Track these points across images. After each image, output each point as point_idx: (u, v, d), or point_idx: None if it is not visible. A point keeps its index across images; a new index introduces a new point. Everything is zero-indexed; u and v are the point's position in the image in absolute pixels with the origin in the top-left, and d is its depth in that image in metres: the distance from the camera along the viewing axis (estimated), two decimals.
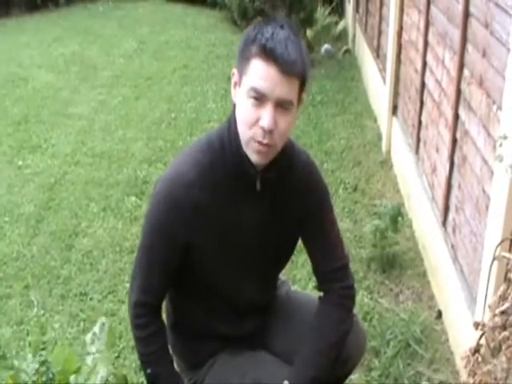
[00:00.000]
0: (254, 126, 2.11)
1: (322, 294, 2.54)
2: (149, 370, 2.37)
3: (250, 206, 2.31)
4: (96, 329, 2.14)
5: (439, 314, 4.05)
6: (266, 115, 2.08)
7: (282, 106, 2.10)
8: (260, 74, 2.07)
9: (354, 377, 3.42)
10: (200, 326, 2.51)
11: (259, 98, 2.08)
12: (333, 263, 2.49)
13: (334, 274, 2.49)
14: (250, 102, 2.10)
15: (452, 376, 3.50)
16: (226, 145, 2.24)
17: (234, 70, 2.20)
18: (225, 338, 2.50)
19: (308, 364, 2.40)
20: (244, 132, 2.16)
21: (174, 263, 2.35)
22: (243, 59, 2.13)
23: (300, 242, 2.55)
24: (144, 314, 2.40)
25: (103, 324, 2.16)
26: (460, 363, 3.42)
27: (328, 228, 2.48)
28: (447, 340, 3.84)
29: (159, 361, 2.39)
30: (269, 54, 2.04)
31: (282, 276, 2.76)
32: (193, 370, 2.49)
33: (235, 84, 2.20)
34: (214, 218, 2.27)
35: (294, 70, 2.07)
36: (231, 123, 2.23)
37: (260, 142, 2.12)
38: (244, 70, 2.12)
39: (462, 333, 3.52)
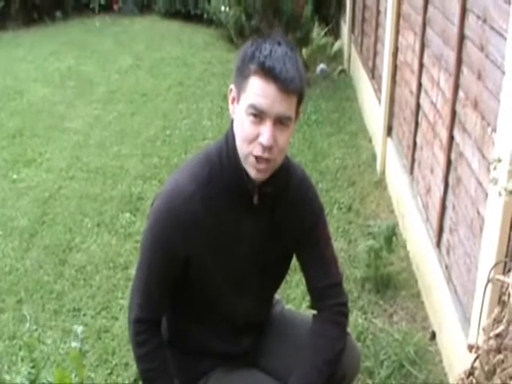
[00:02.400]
0: (253, 142, 2.13)
1: (315, 312, 2.54)
2: None
3: (247, 219, 2.32)
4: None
5: (433, 335, 4.05)
6: (266, 132, 2.10)
7: (280, 122, 2.11)
8: (259, 91, 2.08)
9: None
10: (196, 344, 2.51)
11: (258, 114, 2.09)
12: (327, 280, 2.49)
13: (328, 290, 2.50)
14: (249, 119, 2.11)
15: None
16: (224, 159, 2.25)
17: (232, 86, 2.21)
18: (220, 356, 2.49)
19: (304, 381, 2.40)
20: (243, 148, 2.17)
21: (173, 278, 2.35)
22: (241, 76, 2.14)
23: (294, 261, 2.56)
24: (144, 330, 2.40)
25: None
26: None
27: (323, 244, 2.49)
28: (441, 361, 3.83)
29: (160, 377, 2.40)
30: (268, 73, 2.05)
31: (277, 295, 2.76)
32: None
33: (233, 100, 2.21)
34: (213, 230, 2.28)
35: (293, 87, 2.09)
36: (229, 138, 2.24)
37: (259, 158, 2.14)
38: (242, 87, 2.13)
39: (455, 354, 3.52)
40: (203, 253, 2.31)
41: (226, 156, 2.25)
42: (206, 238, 2.29)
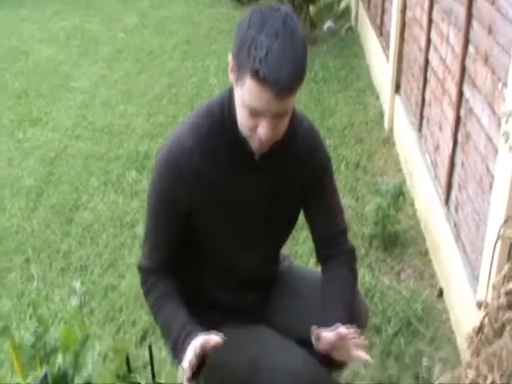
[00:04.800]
0: (252, 128, 2.09)
1: (323, 264, 2.52)
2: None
3: (249, 175, 2.28)
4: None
5: (440, 293, 4.04)
6: (264, 128, 2.05)
7: (278, 116, 2.07)
8: (254, 95, 2.00)
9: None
10: (202, 297, 2.49)
11: (255, 113, 2.05)
12: (334, 228, 2.47)
13: (335, 238, 2.48)
14: (246, 112, 2.06)
15: (453, 354, 3.49)
16: (226, 114, 2.22)
17: (230, 58, 2.14)
18: (227, 310, 2.48)
19: (335, 321, 2.25)
20: (242, 128, 2.14)
21: (179, 230, 2.34)
22: (238, 65, 2.04)
23: (301, 218, 2.53)
24: (153, 277, 2.40)
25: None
26: (461, 342, 3.42)
27: (329, 194, 2.46)
28: (448, 319, 3.83)
29: (174, 321, 2.32)
30: (262, 80, 1.97)
31: (284, 251, 2.74)
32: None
33: (232, 69, 2.14)
34: (215, 185, 2.25)
35: (290, 92, 2.01)
36: (231, 98, 2.20)
37: (258, 140, 2.12)
38: (240, 76, 2.04)
39: (463, 312, 3.51)
40: (207, 208, 2.28)
41: (227, 110, 2.21)
42: (208, 192, 2.26)
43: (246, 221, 2.34)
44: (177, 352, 2.21)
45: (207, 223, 2.32)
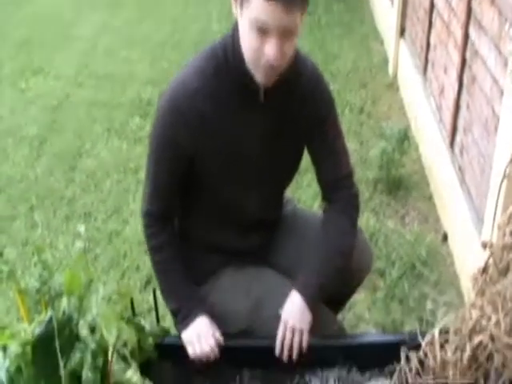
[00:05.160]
0: (259, 51, 2.07)
1: (326, 205, 2.52)
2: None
3: (254, 116, 2.26)
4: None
5: (445, 237, 4.04)
6: (271, 47, 2.04)
7: (285, 35, 2.05)
8: (261, 11, 2.00)
9: (358, 297, 3.42)
10: (204, 240, 2.50)
11: (262, 30, 2.03)
12: (338, 172, 2.46)
13: (338, 182, 2.46)
14: (254, 33, 2.05)
15: (457, 298, 3.50)
16: (230, 55, 2.19)
17: None
18: (229, 253, 2.48)
19: (315, 272, 2.39)
20: (248, 57, 2.12)
21: (181, 174, 2.33)
22: None
23: (305, 162, 2.52)
24: (154, 224, 2.42)
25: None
26: (465, 286, 3.42)
27: (334, 136, 2.44)
28: (452, 262, 3.83)
29: (172, 269, 2.42)
30: None
31: (288, 194, 2.73)
32: (197, 286, 2.47)
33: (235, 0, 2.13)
34: (218, 127, 2.24)
35: (295, 6, 2.01)
36: (235, 35, 2.18)
37: (265, 65, 2.09)
38: (245, 0, 2.05)
39: (467, 255, 3.51)
40: (210, 150, 2.27)
41: (231, 51, 2.19)
42: (212, 135, 2.24)
43: (250, 163, 2.32)
44: (179, 317, 2.38)
45: (210, 166, 2.30)
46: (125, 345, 2.07)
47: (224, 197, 2.39)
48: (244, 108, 2.24)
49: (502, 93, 3.10)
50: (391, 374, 2.19)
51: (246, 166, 2.33)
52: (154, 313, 2.62)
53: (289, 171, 2.52)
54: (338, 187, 2.48)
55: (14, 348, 1.91)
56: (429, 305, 3.45)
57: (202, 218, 2.48)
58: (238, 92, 2.22)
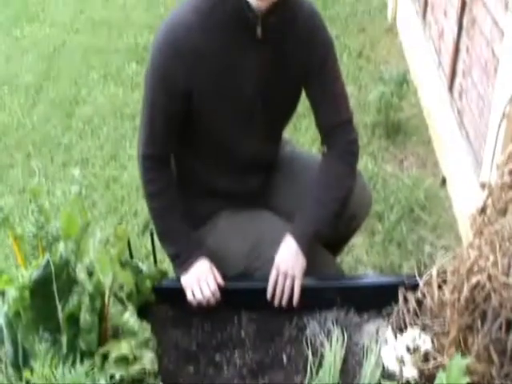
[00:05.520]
0: None
1: (324, 150, 2.50)
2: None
3: (251, 53, 2.23)
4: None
5: (443, 181, 4.03)
6: None
7: None
8: None
9: (357, 240, 3.44)
10: (202, 183, 2.49)
11: None
12: (337, 116, 2.43)
13: (337, 127, 2.44)
14: None
15: (455, 241, 3.50)
16: None
17: None
18: (227, 196, 2.47)
19: (310, 217, 2.38)
20: None
21: (177, 113, 2.30)
22: None
23: (302, 106, 2.50)
24: (151, 167, 2.40)
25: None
26: (463, 230, 3.42)
27: (332, 79, 2.41)
28: (451, 206, 3.83)
29: (169, 214, 2.41)
30: None
31: (286, 136, 2.70)
32: (195, 230, 2.47)
33: None
34: (215, 63, 2.21)
35: None
36: None
37: None
38: None
39: (466, 199, 3.50)
40: (206, 87, 2.24)
41: None
42: (207, 71, 2.22)
43: (245, 101, 2.30)
44: (178, 262, 2.38)
45: (205, 105, 2.28)
46: (122, 287, 2.08)
47: (220, 137, 2.37)
48: (241, 45, 2.21)
49: (502, 34, 3.06)
50: (389, 316, 2.20)
51: (242, 104, 2.30)
52: (152, 258, 2.62)
53: (285, 112, 2.50)
54: (337, 132, 2.45)
55: (12, 293, 1.91)
56: (427, 248, 3.47)
57: (199, 161, 2.46)
58: (235, 28, 2.19)
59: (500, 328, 1.84)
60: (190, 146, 2.41)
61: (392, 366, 1.82)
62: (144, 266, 2.20)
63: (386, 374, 1.97)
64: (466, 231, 3.14)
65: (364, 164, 4.04)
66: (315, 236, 2.37)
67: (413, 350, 1.84)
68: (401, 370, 1.80)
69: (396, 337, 1.86)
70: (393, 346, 1.83)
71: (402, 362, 1.78)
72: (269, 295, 2.31)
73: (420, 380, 2.00)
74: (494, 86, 3.08)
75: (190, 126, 2.34)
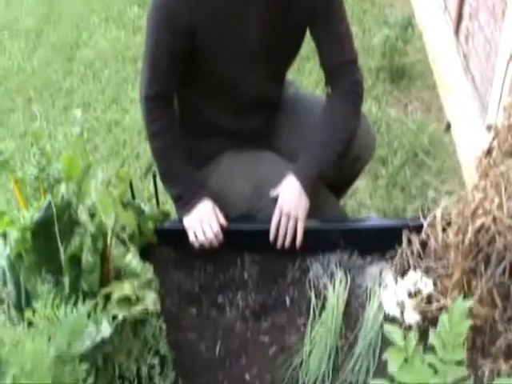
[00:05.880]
0: None
1: (328, 90, 2.47)
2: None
3: None
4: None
5: (448, 127, 3.99)
6: None
7: None
8: None
9: (360, 184, 3.43)
10: (205, 122, 2.47)
11: None
12: (341, 56, 2.42)
13: (342, 67, 2.42)
14: None
15: (459, 187, 3.48)
16: None
17: None
18: (230, 136, 2.46)
19: (314, 158, 2.37)
20: None
21: (180, 51, 2.28)
22: None
23: (306, 49, 2.47)
24: (155, 107, 2.37)
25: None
26: (468, 175, 3.40)
27: (338, 19, 2.39)
28: (455, 152, 3.80)
29: (173, 154, 2.39)
30: None
31: (290, 77, 2.68)
32: (198, 170, 2.46)
33: None
34: (218, 3, 2.20)
35: None
36: None
37: None
38: None
39: (471, 144, 3.48)
40: (209, 27, 2.22)
41: None
42: (211, 11, 2.20)
43: (249, 42, 2.28)
44: (181, 203, 2.37)
45: (209, 43, 2.26)
46: (124, 228, 2.07)
47: (223, 76, 2.35)
48: None
49: None
50: (392, 258, 2.19)
51: (246, 45, 2.28)
52: (154, 200, 2.61)
53: (289, 53, 2.48)
54: (342, 72, 2.43)
55: (14, 234, 1.90)
56: (431, 193, 3.45)
57: (202, 100, 2.44)
58: None
59: (504, 272, 1.83)
60: (193, 84, 2.39)
61: (392, 310, 1.81)
62: (146, 207, 2.18)
63: (388, 318, 1.97)
64: (470, 176, 3.12)
65: (368, 108, 4.01)
66: (319, 177, 2.36)
67: (414, 294, 1.83)
68: (401, 315, 1.79)
69: (396, 281, 1.85)
70: (393, 290, 1.82)
71: (402, 306, 1.77)
72: (272, 236, 2.30)
73: (423, 323, 2.01)
74: (502, 29, 3.04)
75: (194, 65, 2.32)
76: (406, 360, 1.61)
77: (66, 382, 1.76)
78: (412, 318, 1.78)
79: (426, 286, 1.85)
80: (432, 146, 3.82)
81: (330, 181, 2.44)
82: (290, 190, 2.32)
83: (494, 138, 2.05)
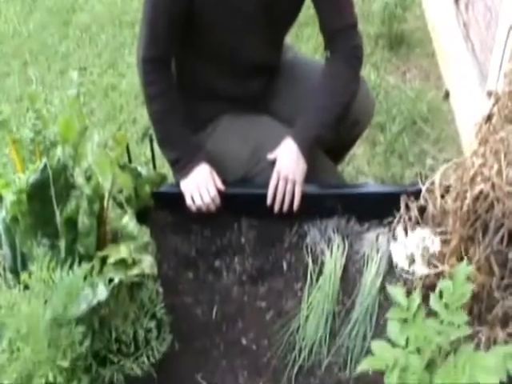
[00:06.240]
0: None
1: (328, 55, 2.46)
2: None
3: None
4: None
5: (447, 95, 3.97)
6: None
7: None
8: None
9: (358, 151, 3.42)
10: (203, 86, 2.46)
11: None
12: (341, 21, 2.40)
13: (341, 32, 2.41)
14: None
15: (457, 155, 3.45)
16: None
17: None
18: (228, 99, 2.45)
19: (312, 121, 2.36)
20: None
21: (179, 13, 2.26)
22: None
23: (304, 15, 2.46)
24: (152, 70, 2.36)
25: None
26: (466, 144, 3.39)
27: None
28: (453, 120, 3.79)
29: (170, 117, 2.37)
30: None
31: (288, 42, 2.65)
32: (195, 134, 2.44)
33: None
34: None
35: None
36: None
37: None
38: None
39: (470, 112, 3.46)
40: None
41: None
42: None
43: (248, 6, 2.26)
44: (178, 167, 2.35)
45: (207, 5, 2.23)
46: (121, 191, 2.05)
47: (221, 39, 2.33)
48: None
49: None
50: (390, 225, 2.19)
51: (244, 9, 2.27)
52: (151, 165, 2.59)
53: (288, 18, 2.47)
54: (341, 37, 2.42)
55: (10, 197, 1.89)
56: (429, 161, 3.44)
57: (200, 65, 2.43)
58: None
59: (502, 240, 1.83)
60: (192, 48, 2.37)
61: (401, 263, 1.81)
62: (143, 170, 2.17)
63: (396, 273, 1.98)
64: (468, 145, 3.11)
65: (367, 74, 3.98)
66: (317, 141, 2.35)
67: (422, 250, 1.83)
68: (410, 267, 1.79)
69: (407, 234, 1.84)
70: (403, 243, 1.81)
71: (411, 259, 1.77)
72: (269, 200, 2.29)
73: (421, 288, 2.01)
74: None
75: (192, 28, 2.30)
76: (406, 320, 1.62)
77: (62, 345, 1.76)
78: (422, 270, 1.77)
79: (433, 243, 1.84)
80: (430, 114, 3.81)
81: (327, 145, 2.43)
82: (287, 153, 2.31)
83: (494, 104, 2.04)
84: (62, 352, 1.76)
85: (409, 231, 1.84)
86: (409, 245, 1.81)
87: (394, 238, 1.92)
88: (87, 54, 4.55)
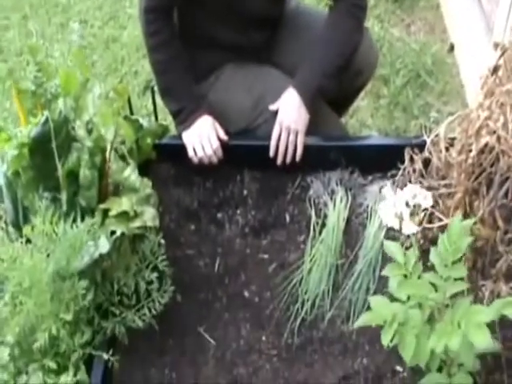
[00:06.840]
0: None
1: (331, 4, 2.42)
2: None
3: None
4: None
5: (451, 48, 3.92)
6: None
7: None
8: None
9: (361, 103, 3.39)
10: (205, 37, 2.42)
11: None
12: None
13: None
14: None
15: (461, 109, 3.42)
16: None
17: None
18: (231, 50, 2.42)
19: (315, 71, 2.33)
20: None
21: None
22: None
23: None
24: (155, 19, 2.31)
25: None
26: (471, 97, 3.36)
27: None
28: (458, 73, 3.74)
29: (172, 68, 2.34)
30: None
31: None
32: (197, 84, 2.42)
33: None
34: None
35: None
36: None
37: None
38: None
39: (475, 66, 3.42)
40: None
41: None
42: None
43: None
44: (180, 118, 2.33)
45: None
46: (123, 143, 2.04)
47: None
48: None
49: None
50: (394, 177, 2.17)
51: None
52: (153, 117, 2.57)
53: None
54: None
55: (11, 151, 1.88)
56: (433, 114, 3.41)
57: (202, 16, 2.38)
58: None
59: (506, 194, 1.82)
60: None
61: (391, 222, 1.79)
62: (145, 122, 2.15)
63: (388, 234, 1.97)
64: (473, 98, 3.08)
65: (370, 27, 3.90)
66: (319, 90, 2.33)
67: (413, 207, 1.81)
68: (400, 226, 1.77)
69: (396, 193, 1.82)
70: (392, 201, 1.79)
71: (401, 217, 1.74)
72: (272, 151, 2.28)
73: (424, 242, 2.00)
74: None
75: None
76: (405, 276, 1.61)
77: (65, 298, 1.77)
78: (410, 229, 1.75)
79: (426, 199, 1.81)
80: (435, 67, 3.76)
81: (330, 96, 2.41)
82: (289, 103, 2.29)
83: (500, 56, 2.01)
84: (65, 305, 1.77)
85: (398, 189, 1.81)
86: (398, 203, 1.78)
87: (382, 197, 1.89)
88: (88, 6, 4.47)
